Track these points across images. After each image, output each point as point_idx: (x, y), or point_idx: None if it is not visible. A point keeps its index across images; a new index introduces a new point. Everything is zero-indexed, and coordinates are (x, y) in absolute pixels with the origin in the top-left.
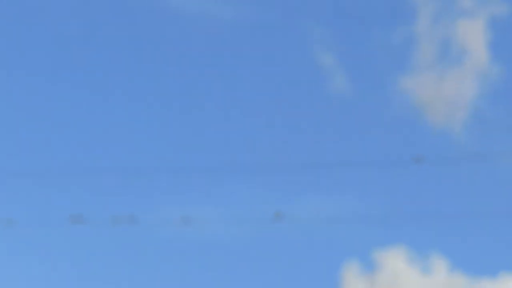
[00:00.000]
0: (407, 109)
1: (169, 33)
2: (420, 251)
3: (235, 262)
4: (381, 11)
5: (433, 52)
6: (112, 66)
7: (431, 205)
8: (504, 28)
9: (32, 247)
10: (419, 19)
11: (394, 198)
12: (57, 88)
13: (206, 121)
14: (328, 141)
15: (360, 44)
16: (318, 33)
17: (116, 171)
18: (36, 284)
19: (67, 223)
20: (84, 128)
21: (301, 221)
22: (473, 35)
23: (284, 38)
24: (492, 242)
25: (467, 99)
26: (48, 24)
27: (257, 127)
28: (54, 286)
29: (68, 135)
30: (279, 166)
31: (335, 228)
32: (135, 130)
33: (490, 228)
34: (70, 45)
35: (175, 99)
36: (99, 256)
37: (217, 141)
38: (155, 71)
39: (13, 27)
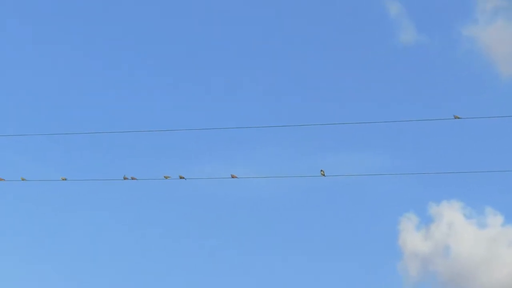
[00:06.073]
0: (473, 58)
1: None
2: (475, 205)
3: (286, 218)
4: None
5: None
6: (155, 34)
7: (487, 160)
8: None
9: (90, 201)
10: None
11: (451, 154)
12: (111, 60)
13: (257, 81)
14: (389, 94)
15: None
16: None
17: (166, 133)
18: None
19: (120, 181)
20: (134, 93)
21: (358, 177)
22: None
23: None
24: None
25: None
26: None
27: (306, 83)
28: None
29: (121, 100)
30: (326, 124)
31: (393, 183)
32: (183, 94)
33: None
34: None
35: (221, 63)
36: (150, 211)
37: (266, 99)
38: (198, 30)
39: None
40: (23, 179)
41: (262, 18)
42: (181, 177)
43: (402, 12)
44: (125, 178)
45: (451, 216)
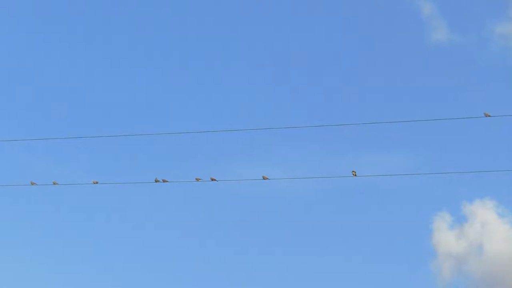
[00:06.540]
0: (506, 56)
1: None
2: (508, 204)
3: (318, 218)
4: None
5: None
6: (185, 37)
7: None
8: None
9: (120, 204)
10: None
11: (483, 152)
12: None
13: (288, 81)
14: (421, 93)
15: None
16: None
17: (198, 135)
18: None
19: (152, 183)
20: (166, 96)
21: (390, 177)
22: None
23: None
24: None
25: None
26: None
27: (332, 86)
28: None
29: (152, 103)
30: (354, 125)
31: (426, 182)
32: (214, 96)
33: None
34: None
35: (250, 65)
36: (182, 213)
37: (296, 101)
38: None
39: None
40: (55, 183)
41: (289, 17)
42: (212, 179)
43: (434, 11)
44: (156, 181)
45: (484, 215)
